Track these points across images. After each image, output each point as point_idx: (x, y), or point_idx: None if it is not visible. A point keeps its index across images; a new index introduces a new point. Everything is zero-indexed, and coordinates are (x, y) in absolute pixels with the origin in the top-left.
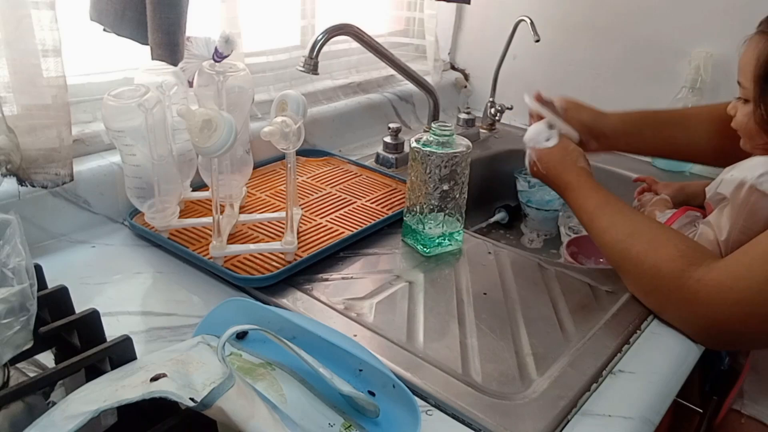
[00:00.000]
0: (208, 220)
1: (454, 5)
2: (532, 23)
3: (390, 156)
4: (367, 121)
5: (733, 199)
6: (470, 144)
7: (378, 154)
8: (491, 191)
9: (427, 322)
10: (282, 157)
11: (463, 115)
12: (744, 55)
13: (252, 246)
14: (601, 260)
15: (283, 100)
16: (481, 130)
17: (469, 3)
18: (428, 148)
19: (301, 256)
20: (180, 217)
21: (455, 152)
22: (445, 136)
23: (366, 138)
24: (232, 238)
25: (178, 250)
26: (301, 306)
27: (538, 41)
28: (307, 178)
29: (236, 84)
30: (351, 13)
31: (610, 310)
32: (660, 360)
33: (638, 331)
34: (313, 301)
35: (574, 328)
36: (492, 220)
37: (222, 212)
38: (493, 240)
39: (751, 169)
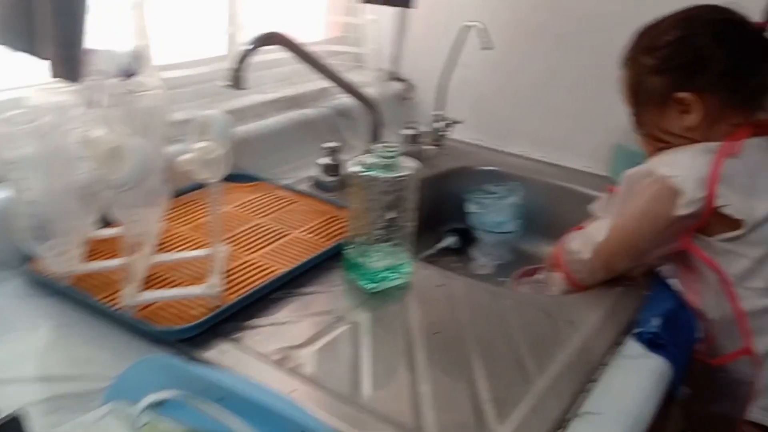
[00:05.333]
0: (118, 262)
1: (396, 9)
2: (483, 29)
3: (328, 179)
4: (302, 139)
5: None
6: (417, 166)
7: (314, 178)
8: (440, 213)
9: (374, 368)
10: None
11: (407, 131)
12: (622, 90)
13: (170, 291)
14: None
15: (204, 122)
16: (428, 147)
17: (412, 7)
18: (370, 173)
19: (228, 301)
20: (85, 260)
21: (401, 176)
22: (389, 158)
23: (301, 158)
24: (148, 282)
25: (83, 299)
26: (230, 359)
27: (490, 49)
28: (234, 207)
29: (149, 104)
30: (282, 18)
31: (571, 343)
32: (626, 397)
33: (602, 366)
34: (242, 352)
35: (535, 367)
36: (441, 245)
37: (135, 253)
38: (444, 268)
39: (653, 160)
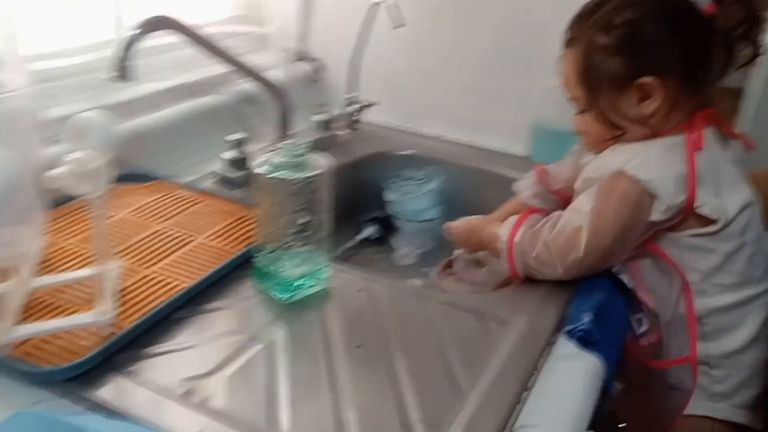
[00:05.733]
0: None
1: None
2: (394, 4)
3: (234, 175)
4: (203, 130)
5: (600, 183)
6: (330, 162)
7: (219, 173)
8: (357, 202)
9: (293, 394)
10: None
11: (318, 117)
12: (563, 70)
13: (53, 323)
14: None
15: (81, 126)
16: (342, 132)
17: None
18: (277, 174)
19: (122, 327)
20: None
21: (312, 176)
22: (298, 156)
23: (204, 151)
24: (29, 311)
25: None
26: (127, 397)
27: (401, 26)
28: (129, 212)
29: (12, 107)
30: None
31: (503, 346)
32: (562, 404)
33: (535, 372)
34: (140, 388)
35: (466, 378)
36: (360, 237)
37: (8, 280)
38: (365, 261)
39: (618, 156)
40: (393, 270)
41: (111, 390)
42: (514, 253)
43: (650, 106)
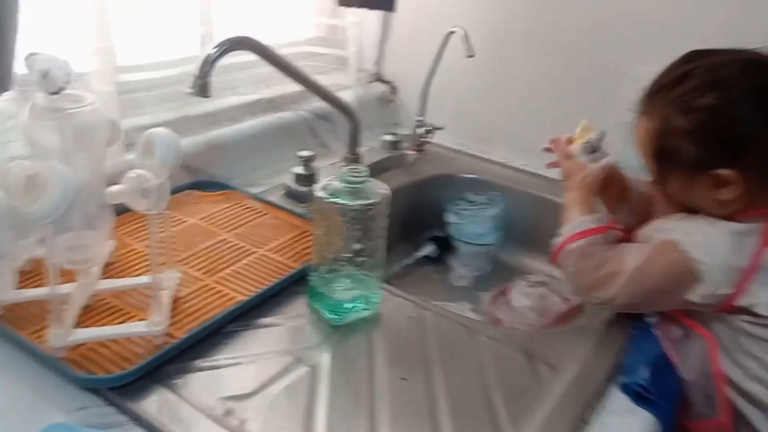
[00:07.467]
0: (54, 292)
1: (380, 12)
2: (465, 35)
3: (301, 189)
4: (279, 143)
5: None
6: (388, 191)
7: (288, 187)
8: (419, 221)
9: (329, 425)
10: (179, 189)
11: (388, 137)
12: (637, 136)
13: (106, 330)
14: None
15: (149, 141)
16: (410, 152)
17: (393, 11)
18: (335, 199)
19: (173, 338)
20: (22, 285)
21: (369, 203)
22: (358, 183)
23: (278, 163)
24: (90, 313)
25: (7, 335)
26: (166, 413)
27: (471, 57)
28: (199, 219)
29: (84, 121)
30: (259, 18)
31: (552, 394)
32: None
33: (582, 425)
34: (183, 403)
35: (510, 425)
36: (419, 254)
37: (71, 280)
38: (421, 278)
39: (684, 226)
40: (447, 290)
41: (154, 403)
42: (561, 253)
43: (727, 195)
